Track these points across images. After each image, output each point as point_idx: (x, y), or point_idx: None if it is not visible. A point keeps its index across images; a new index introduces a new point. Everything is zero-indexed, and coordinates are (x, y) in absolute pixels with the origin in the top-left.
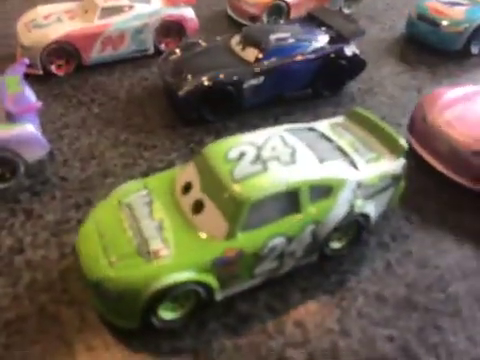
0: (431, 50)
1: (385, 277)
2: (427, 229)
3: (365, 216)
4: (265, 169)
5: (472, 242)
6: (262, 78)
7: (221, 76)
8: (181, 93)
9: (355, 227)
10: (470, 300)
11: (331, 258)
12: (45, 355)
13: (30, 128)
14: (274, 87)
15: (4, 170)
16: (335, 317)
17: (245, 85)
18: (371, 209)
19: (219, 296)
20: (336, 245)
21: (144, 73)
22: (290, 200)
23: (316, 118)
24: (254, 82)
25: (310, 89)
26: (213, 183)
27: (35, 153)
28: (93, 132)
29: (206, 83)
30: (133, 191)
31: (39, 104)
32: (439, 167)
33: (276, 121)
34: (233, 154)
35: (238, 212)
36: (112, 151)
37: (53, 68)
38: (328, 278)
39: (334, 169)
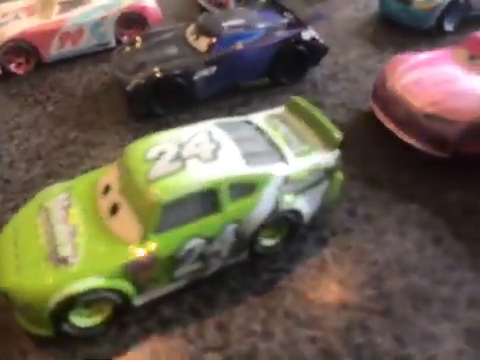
0: (404, 30)
1: (318, 274)
2: (371, 222)
3: (296, 212)
4: (182, 168)
5: (416, 235)
6: (214, 68)
7: (170, 68)
8: (129, 87)
9: (287, 224)
10: (404, 298)
11: (264, 256)
12: None
13: None
14: (228, 76)
15: None
16: (260, 318)
17: (196, 76)
18: (302, 205)
19: (138, 301)
20: (268, 242)
21: (104, 67)
22: (208, 200)
23: (274, 107)
24: (205, 73)
25: (268, 77)
26: (129, 184)
27: None
28: (43, 132)
29: (154, 76)
30: (54, 194)
31: None
32: (398, 133)
33: (231, 112)
34: (152, 153)
35: (150, 214)
36: (60, 151)
37: (12, 67)
38: (259, 277)
39: (258, 165)
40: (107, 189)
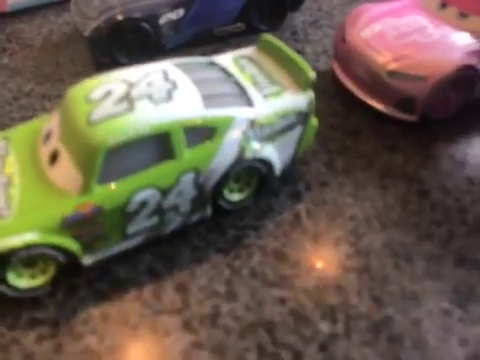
0: None
1: (290, 231)
2: (350, 175)
3: (264, 162)
4: (130, 109)
5: (400, 189)
6: (182, 11)
7: (131, 10)
8: (87, 32)
9: (256, 176)
10: (384, 256)
11: (230, 212)
12: None
13: None
14: (198, 21)
15: None
16: (224, 278)
17: (161, 20)
18: (272, 153)
19: (87, 260)
20: (235, 197)
21: (67, 17)
22: (160, 145)
23: None
24: (172, 16)
25: (243, 23)
26: (69, 129)
27: None
28: None
29: (114, 19)
30: None
31: None
32: (358, 93)
33: None
34: (97, 94)
35: (92, 160)
36: (12, 104)
37: None
38: (225, 235)
39: (219, 108)
40: (48, 136)
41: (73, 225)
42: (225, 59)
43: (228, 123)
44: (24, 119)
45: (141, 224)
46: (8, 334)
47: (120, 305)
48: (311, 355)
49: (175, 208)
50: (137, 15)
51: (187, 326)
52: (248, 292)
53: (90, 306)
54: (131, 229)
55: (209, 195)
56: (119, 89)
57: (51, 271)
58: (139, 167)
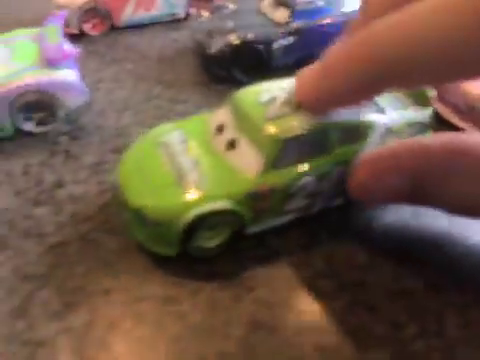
0: None
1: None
2: None
3: None
4: (297, 110)
5: None
6: (292, 38)
7: (251, 35)
8: (212, 50)
9: None
10: None
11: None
12: (88, 274)
13: (72, 74)
14: (304, 48)
15: (45, 114)
16: (364, 255)
17: (275, 45)
18: None
19: (250, 230)
20: None
21: (174, 36)
22: (320, 141)
23: None
24: (284, 42)
25: None
26: (247, 123)
27: (75, 99)
28: (127, 86)
29: (236, 41)
30: (167, 131)
31: (78, 51)
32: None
33: None
34: (264, 98)
35: (271, 150)
36: (146, 104)
37: (87, 27)
38: (357, 220)
39: (363, 114)
40: (221, 128)
41: (252, 199)
42: None
43: (373, 127)
44: (160, 117)
45: (295, 204)
46: (192, 284)
47: (280, 268)
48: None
49: (321, 193)
50: (256, 40)
51: (342, 289)
52: (389, 266)
53: (256, 267)
54: (288, 207)
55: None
56: (280, 95)
57: (224, 236)
58: (303, 157)
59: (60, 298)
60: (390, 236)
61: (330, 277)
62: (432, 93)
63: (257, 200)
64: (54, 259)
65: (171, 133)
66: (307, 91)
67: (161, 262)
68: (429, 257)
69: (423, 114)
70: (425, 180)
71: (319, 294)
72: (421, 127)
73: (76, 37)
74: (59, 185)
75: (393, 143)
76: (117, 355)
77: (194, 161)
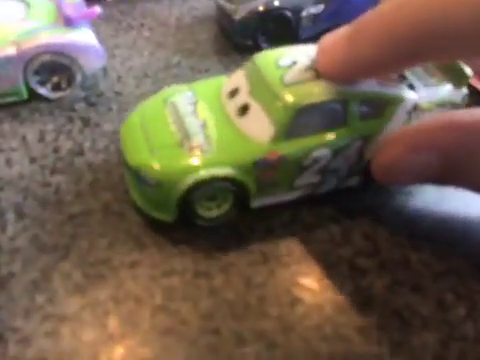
0: None
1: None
2: None
3: None
4: (317, 77)
5: None
6: (322, 6)
7: (278, 1)
8: (237, 16)
9: None
10: None
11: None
12: (113, 246)
13: (90, 34)
14: (334, 17)
15: (61, 79)
16: (406, 233)
17: (304, 13)
18: None
19: (255, 203)
20: None
21: (193, 3)
22: (338, 111)
23: None
24: (313, 10)
25: None
26: (262, 88)
27: (93, 62)
28: (145, 53)
29: (264, 7)
30: (179, 92)
31: (98, 10)
32: None
33: None
34: (285, 61)
35: (285, 116)
36: (165, 72)
37: None
38: (395, 197)
39: (389, 87)
40: (234, 92)
41: (259, 168)
42: None
43: (398, 102)
44: None
45: (307, 179)
46: (224, 258)
47: (316, 245)
48: None
49: (335, 171)
50: (283, 6)
51: (384, 267)
52: (431, 246)
53: (291, 243)
54: (298, 182)
55: (364, 166)
56: (303, 60)
57: (225, 208)
58: (320, 128)
59: (82, 271)
60: (431, 214)
61: (371, 255)
62: (470, 72)
63: (265, 170)
64: (75, 230)
65: (182, 94)
66: (331, 58)
67: (189, 236)
68: (473, 236)
69: (457, 94)
70: (458, 157)
71: (359, 272)
72: (453, 107)
73: (90, 1)
74: (77, 153)
75: (425, 119)
76: (146, 332)
77: (202, 123)
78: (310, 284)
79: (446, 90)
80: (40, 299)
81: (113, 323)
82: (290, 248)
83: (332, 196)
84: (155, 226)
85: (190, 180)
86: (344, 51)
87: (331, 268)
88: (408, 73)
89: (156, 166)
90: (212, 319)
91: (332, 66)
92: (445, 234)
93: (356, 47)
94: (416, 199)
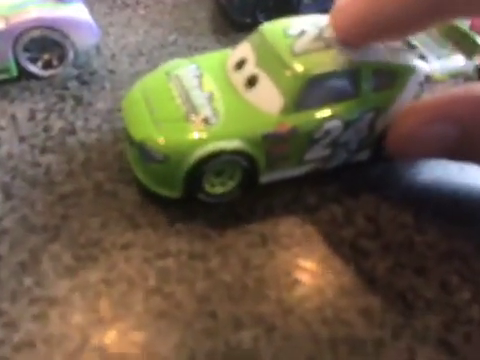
0: None
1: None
2: None
3: None
4: (327, 47)
5: None
6: None
7: None
8: None
9: None
10: None
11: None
12: (105, 227)
13: (83, 9)
14: None
15: (52, 56)
16: (410, 213)
17: None
18: None
19: (264, 178)
20: None
21: None
22: (350, 82)
23: None
24: None
25: None
26: (270, 58)
27: (86, 38)
28: (140, 32)
29: None
30: (182, 65)
31: None
32: None
33: None
34: (294, 31)
35: (295, 86)
36: (161, 50)
37: None
38: (400, 176)
39: (401, 58)
40: (240, 64)
41: (269, 141)
42: None
43: (410, 73)
44: None
45: (316, 153)
46: (221, 239)
47: (318, 226)
48: None
49: (346, 144)
50: None
51: (387, 250)
52: (436, 227)
53: (291, 224)
54: (307, 156)
55: (375, 139)
56: (312, 30)
57: (234, 184)
58: (331, 99)
59: (73, 252)
60: (436, 194)
61: (374, 237)
62: None
63: (275, 143)
64: (65, 210)
65: (186, 67)
66: (349, 15)
67: (185, 216)
68: (478, 217)
69: (468, 64)
70: (475, 129)
71: (362, 254)
72: (465, 78)
73: None
74: (69, 132)
75: (441, 91)
76: (139, 315)
77: (208, 96)
78: (311, 266)
79: (458, 61)
80: (28, 281)
81: (104, 306)
82: (290, 229)
83: (336, 175)
84: (150, 205)
85: (198, 154)
86: (364, 7)
87: (333, 250)
88: (420, 44)
89: (162, 140)
90: (208, 302)
91: (349, 25)
92: (451, 215)
93: (377, 1)
94: (422, 179)
